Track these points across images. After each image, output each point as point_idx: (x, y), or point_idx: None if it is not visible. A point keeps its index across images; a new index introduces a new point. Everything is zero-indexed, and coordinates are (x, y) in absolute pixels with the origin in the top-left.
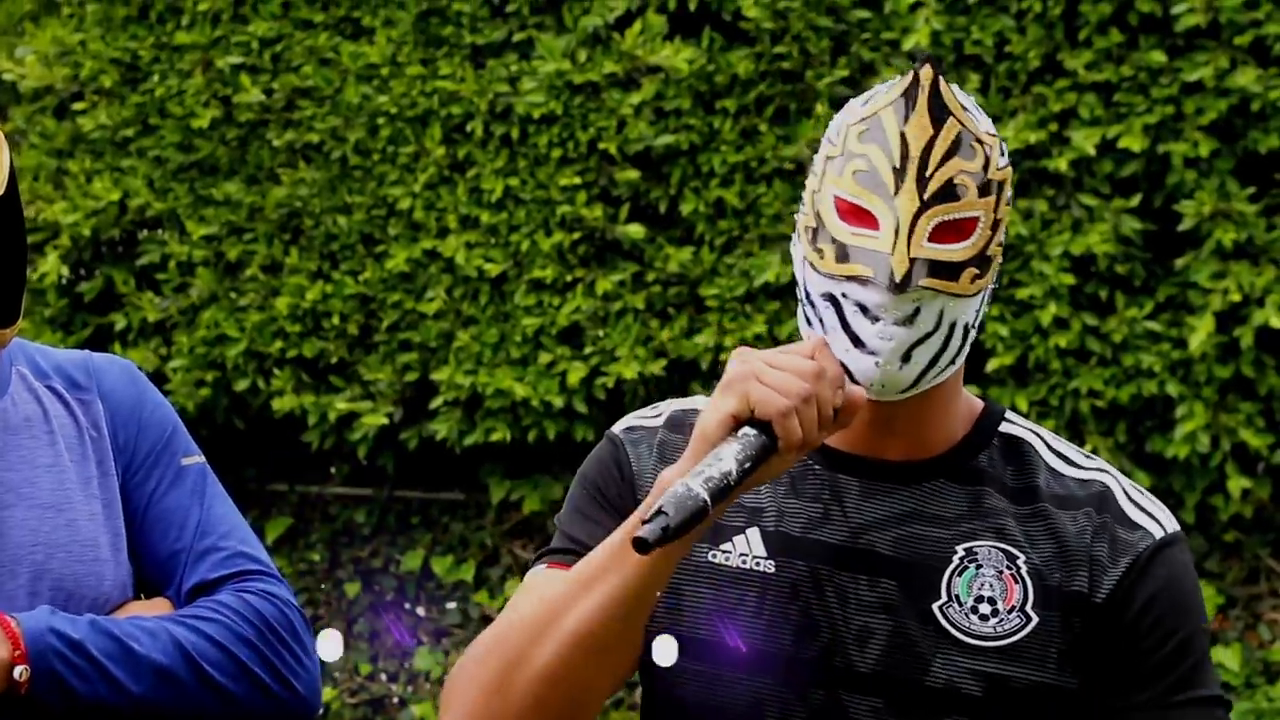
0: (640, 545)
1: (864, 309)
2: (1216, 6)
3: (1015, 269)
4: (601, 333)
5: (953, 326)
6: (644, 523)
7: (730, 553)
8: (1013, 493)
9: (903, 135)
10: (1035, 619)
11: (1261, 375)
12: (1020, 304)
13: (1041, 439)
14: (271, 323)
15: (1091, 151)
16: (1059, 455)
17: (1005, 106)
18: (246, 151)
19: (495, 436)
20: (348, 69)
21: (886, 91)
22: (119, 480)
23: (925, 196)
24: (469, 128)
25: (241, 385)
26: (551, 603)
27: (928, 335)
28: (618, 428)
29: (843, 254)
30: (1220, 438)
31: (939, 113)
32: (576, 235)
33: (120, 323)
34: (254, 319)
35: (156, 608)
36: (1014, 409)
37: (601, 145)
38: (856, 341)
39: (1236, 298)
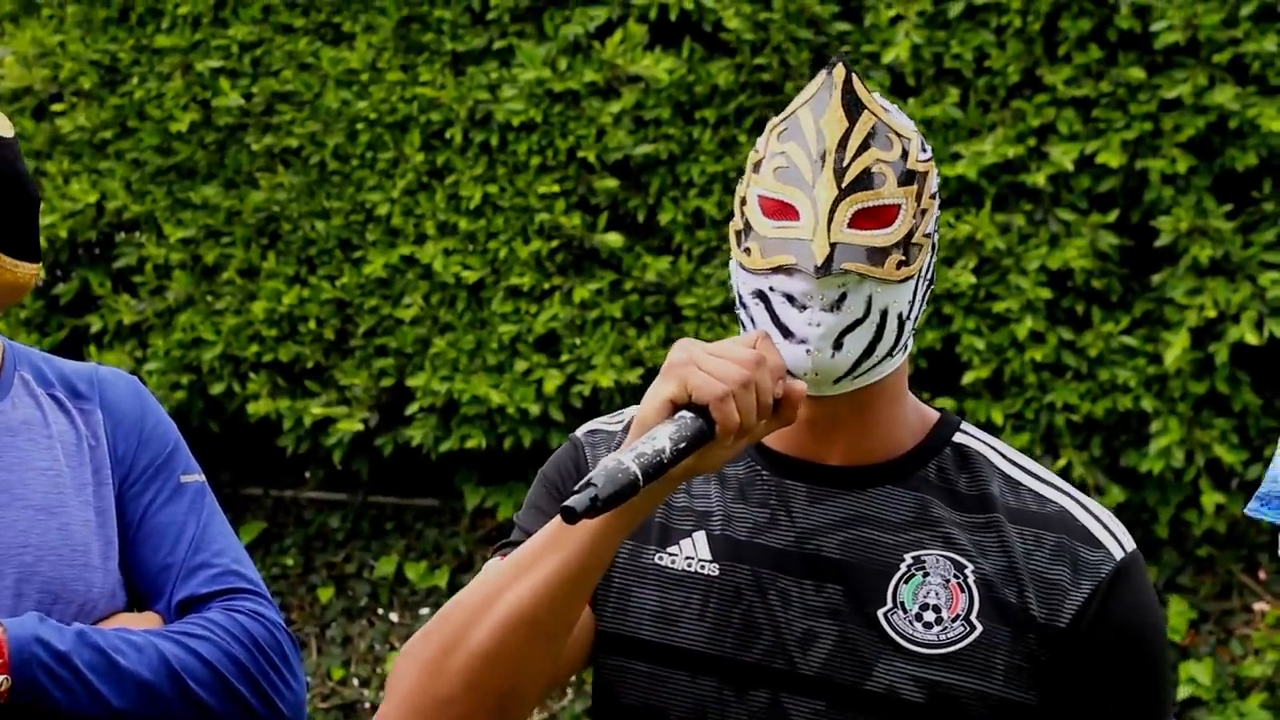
0: (568, 514)
1: (791, 299)
2: (1196, 24)
3: (992, 282)
4: (578, 341)
5: (884, 314)
6: (574, 493)
7: (677, 555)
8: (964, 502)
9: (819, 129)
10: (979, 628)
11: (1236, 391)
12: (997, 317)
13: (996, 450)
14: (248, 326)
15: (1069, 166)
16: (1016, 465)
17: (984, 121)
18: (225, 155)
19: (471, 443)
20: (327, 74)
21: (804, 93)
22: (115, 491)
23: (843, 185)
24: (448, 134)
25: (217, 389)
26: (491, 584)
27: (858, 322)
28: (580, 431)
29: (768, 248)
30: (1194, 453)
31: (853, 107)
32: (554, 243)
33: (96, 325)
34: (230, 322)
35: (146, 621)
36: (988, 423)
37: (580, 154)
38: (786, 333)
39: (1212, 314)
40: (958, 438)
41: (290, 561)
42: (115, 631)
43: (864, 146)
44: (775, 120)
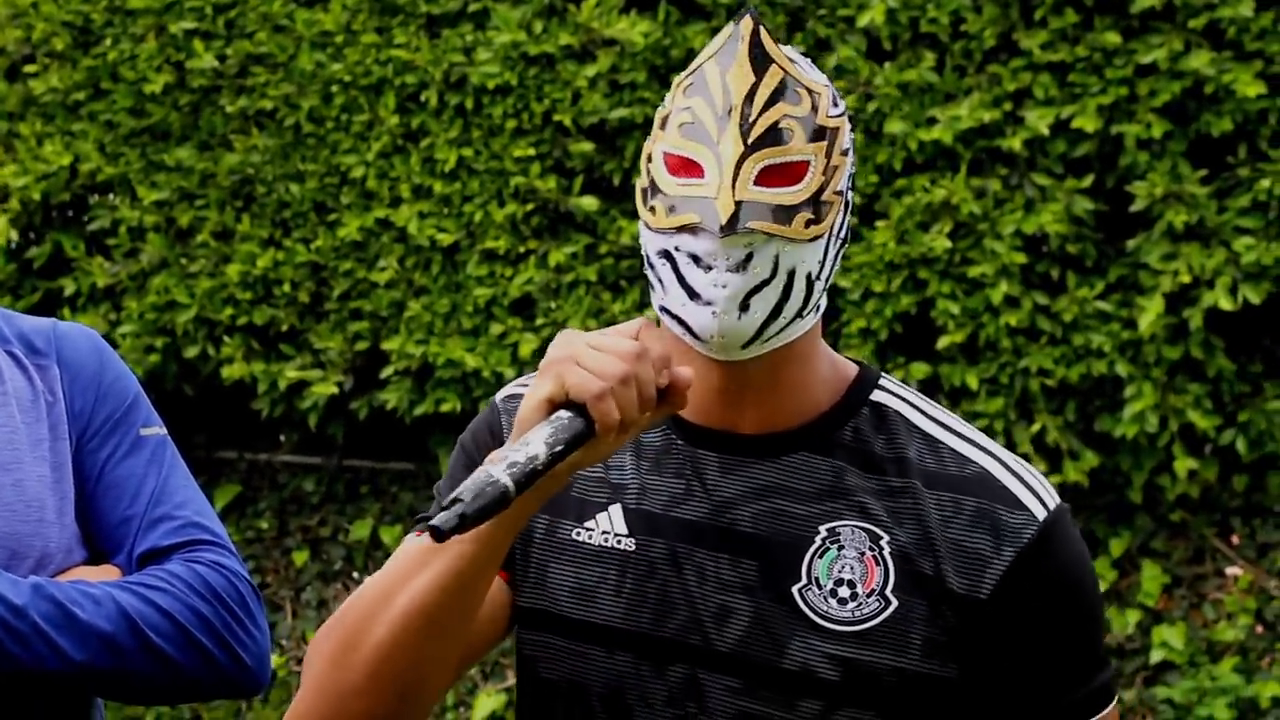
0: (435, 534)
1: (696, 259)
2: None
3: (967, 247)
4: (553, 304)
5: (791, 274)
6: (442, 509)
7: (593, 530)
8: (881, 465)
9: (724, 84)
10: (895, 603)
11: (1210, 357)
12: (971, 282)
13: (915, 407)
14: (222, 289)
15: (1045, 131)
16: (935, 422)
17: (960, 85)
18: (199, 117)
19: (445, 407)
20: (302, 36)
21: (710, 46)
22: (72, 446)
23: (749, 141)
24: (423, 97)
25: (191, 352)
26: (389, 578)
27: (764, 283)
28: (499, 395)
29: (672, 207)
30: (1168, 418)
31: (760, 61)
32: (530, 206)
33: (70, 288)
34: (204, 285)
35: (104, 574)
36: (963, 387)
37: (556, 117)
38: (692, 294)
39: (1186, 279)
40: (876, 395)
41: (265, 525)
42: (73, 584)
43: (771, 101)
44: (681, 75)
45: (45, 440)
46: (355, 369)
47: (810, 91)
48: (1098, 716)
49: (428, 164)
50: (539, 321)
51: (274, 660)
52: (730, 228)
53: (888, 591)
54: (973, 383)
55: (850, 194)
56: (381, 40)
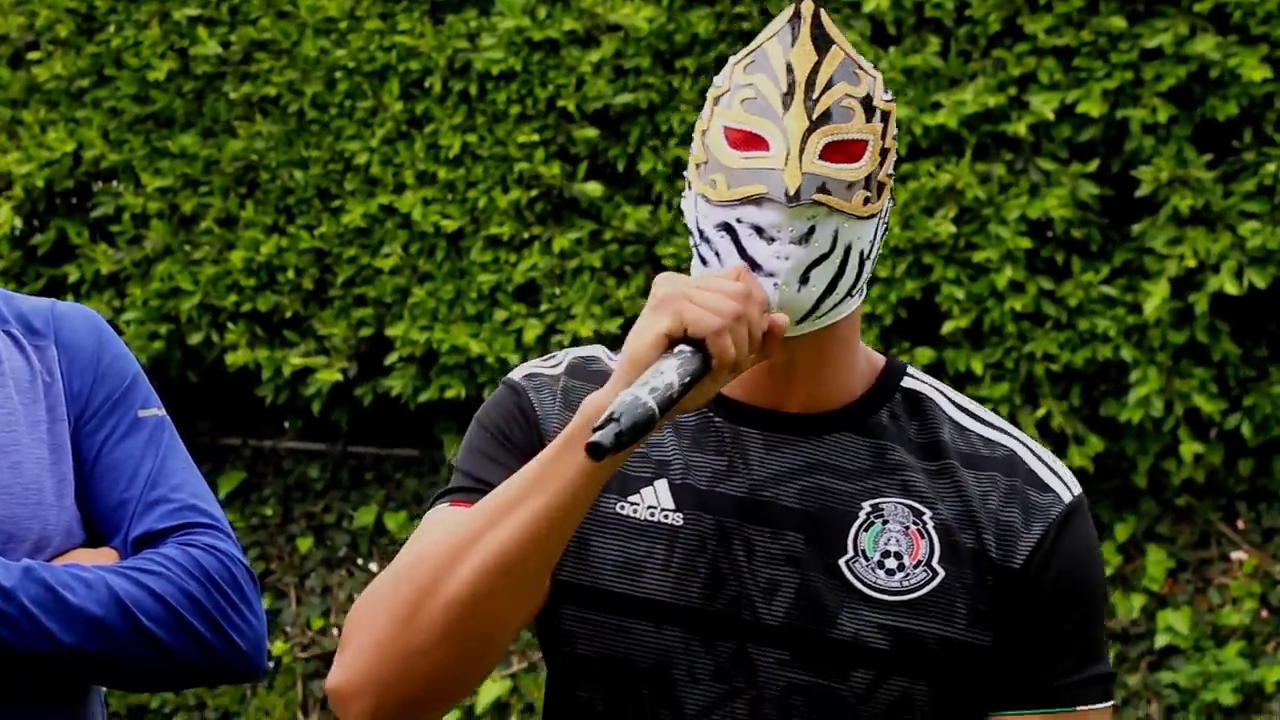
0: (595, 450)
1: (759, 230)
2: None
3: (972, 232)
4: (558, 290)
5: (848, 250)
6: (595, 430)
7: (638, 504)
8: (917, 448)
9: (788, 62)
10: (941, 573)
11: (1215, 341)
12: (976, 267)
13: (943, 394)
14: (226, 276)
15: (1050, 116)
16: (962, 410)
17: (965, 70)
18: (203, 104)
19: (450, 393)
20: (306, 22)
21: (769, 27)
22: (70, 427)
23: (814, 117)
24: (427, 83)
25: (195, 338)
26: (464, 531)
27: (824, 256)
28: (516, 375)
29: (735, 179)
30: (1173, 403)
31: (822, 41)
32: (534, 192)
33: (74, 274)
34: (208, 272)
35: (102, 557)
36: (968, 372)
37: (560, 103)
38: (754, 266)
39: (1192, 263)
40: (906, 382)
41: (269, 511)
42: (65, 568)
43: (834, 80)
44: (739, 55)
45: (43, 422)
46: (359, 355)
47: (866, 74)
48: (1091, 707)
49: (432, 150)
50: (543, 308)
51: (278, 647)
52: (798, 197)
53: (934, 562)
54: (977, 368)
55: (892, 181)
56: (385, 26)
